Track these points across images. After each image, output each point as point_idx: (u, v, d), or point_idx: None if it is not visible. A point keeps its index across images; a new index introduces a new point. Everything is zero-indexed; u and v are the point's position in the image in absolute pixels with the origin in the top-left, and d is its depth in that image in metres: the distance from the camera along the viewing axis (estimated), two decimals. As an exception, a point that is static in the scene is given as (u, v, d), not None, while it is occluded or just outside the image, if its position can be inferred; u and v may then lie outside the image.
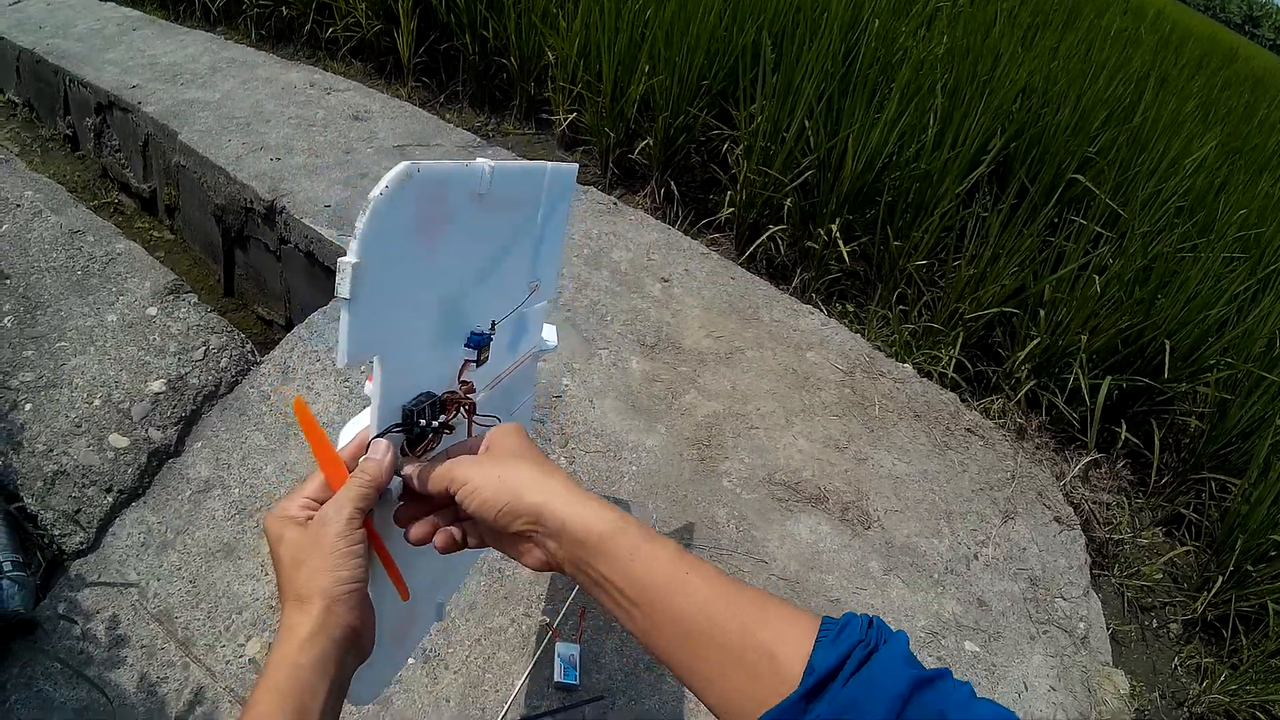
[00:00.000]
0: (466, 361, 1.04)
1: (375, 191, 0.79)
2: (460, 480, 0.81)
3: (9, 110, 4.74)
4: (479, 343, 1.05)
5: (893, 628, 0.67)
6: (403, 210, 0.83)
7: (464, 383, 1.03)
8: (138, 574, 1.89)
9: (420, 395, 0.94)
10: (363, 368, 0.85)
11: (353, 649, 0.77)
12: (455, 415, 0.99)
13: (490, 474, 0.81)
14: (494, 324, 1.10)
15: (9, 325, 2.47)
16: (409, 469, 0.87)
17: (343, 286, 0.78)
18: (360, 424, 0.93)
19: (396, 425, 0.90)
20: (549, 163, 1.20)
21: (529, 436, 0.88)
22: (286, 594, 0.76)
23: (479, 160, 0.96)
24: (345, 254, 0.78)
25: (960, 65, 3.74)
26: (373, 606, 0.81)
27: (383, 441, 0.85)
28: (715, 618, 0.69)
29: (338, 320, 0.80)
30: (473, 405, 1.03)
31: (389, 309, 0.86)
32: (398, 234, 0.84)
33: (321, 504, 0.81)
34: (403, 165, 0.81)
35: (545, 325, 1.48)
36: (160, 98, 3.81)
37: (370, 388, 0.88)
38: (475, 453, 0.88)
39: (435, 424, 0.93)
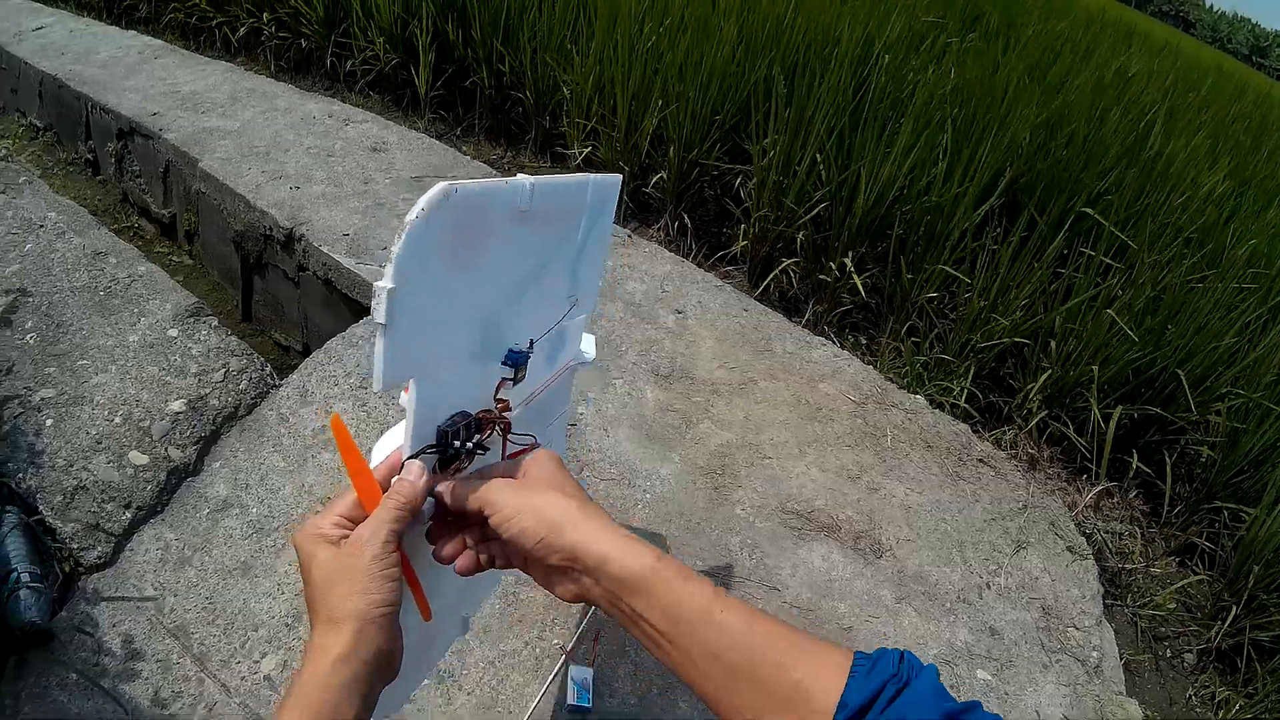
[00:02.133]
0: (503, 380, 1.03)
1: (411, 215, 0.78)
2: (496, 506, 0.81)
3: (31, 134, 4.80)
4: (517, 360, 1.04)
5: None
6: (440, 232, 0.82)
7: (499, 401, 1.02)
8: (155, 589, 1.90)
9: (455, 415, 0.93)
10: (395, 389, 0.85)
11: (382, 671, 0.77)
12: (490, 434, 0.98)
13: (527, 504, 0.80)
14: (532, 342, 1.09)
15: (32, 342, 2.50)
16: (442, 486, 0.87)
17: (378, 311, 0.77)
18: (394, 439, 0.92)
19: (431, 446, 0.89)
20: (592, 175, 1.17)
21: (564, 466, 0.88)
22: (318, 614, 0.76)
23: (520, 176, 0.95)
24: (380, 279, 0.78)
25: (970, 100, 3.78)
26: (402, 630, 0.81)
27: (416, 463, 0.85)
28: (749, 653, 0.70)
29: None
30: (508, 424, 1.02)
31: (425, 332, 0.85)
32: (434, 257, 0.83)
33: (353, 522, 0.81)
34: (440, 185, 0.80)
35: (585, 336, 1.45)
36: (181, 125, 3.87)
37: (405, 399, 0.87)
38: (510, 474, 0.88)
39: (469, 445, 0.92)
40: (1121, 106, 4.43)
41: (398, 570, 0.78)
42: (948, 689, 0.65)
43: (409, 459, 0.86)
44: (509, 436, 1.04)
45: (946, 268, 3.25)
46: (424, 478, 0.84)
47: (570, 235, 1.19)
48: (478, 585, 1.29)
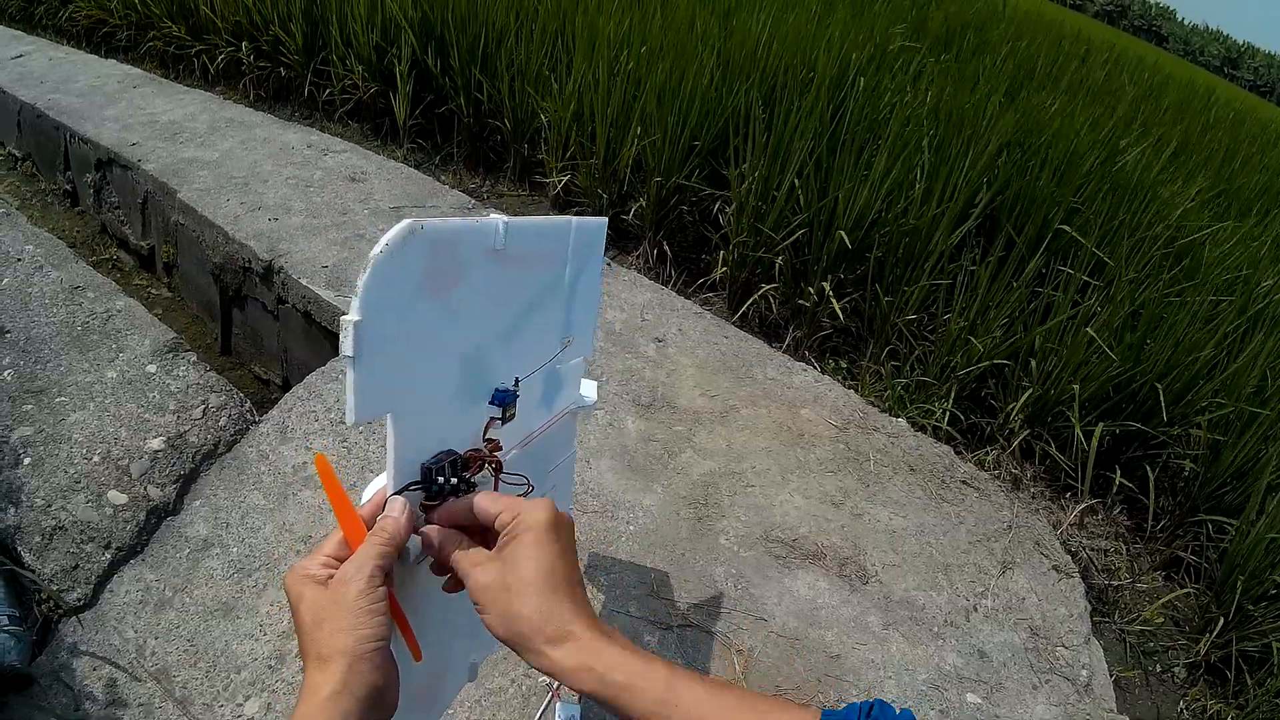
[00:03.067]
0: (491, 419, 1.03)
1: (376, 249, 0.79)
2: (472, 580, 0.82)
3: (9, 164, 4.78)
4: (503, 400, 1.04)
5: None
6: (407, 268, 0.83)
7: (489, 440, 1.02)
8: (135, 631, 1.88)
9: (441, 453, 0.93)
10: (376, 423, 0.85)
11: (375, 707, 0.75)
12: (478, 473, 0.98)
13: (515, 589, 0.80)
14: (518, 381, 1.08)
15: (9, 379, 2.48)
16: (427, 529, 0.87)
17: (346, 344, 0.78)
18: (384, 479, 0.91)
19: (415, 483, 0.89)
20: (575, 218, 1.18)
21: (563, 528, 0.85)
22: (308, 653, 0.75)
23: (492, 216, 0.96)
24: (347, 313, 0.78)
25: (946, 122, 3.81)
26: (396, 664, 0.80)
27: (399, 499, 0.85)
28: None
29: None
30: (498, 464, 1.02)
31: (398, 366, 0.85)
32: (403, 291, 0.84)
33: (340, 560, 0.81)
34: (405, 223, 0.81)
35: (585, 381, 1.47)
36: (159, 155, 3.86)
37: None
38: (487, 522, 0.87)
39: (453, 481, 0.92)
40: (1092, 122, 4.47)
41: (385, 605, 0.78)
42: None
43: (392, 495, 0.86)
44: (501, 477, 1.04)
45: (925, 287, 3.26)
46: (405, 513, 0.84)
47: (556, 277, 1.19)
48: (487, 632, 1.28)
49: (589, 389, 1.50)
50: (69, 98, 4.58)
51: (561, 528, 0.84)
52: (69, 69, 5.13)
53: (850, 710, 0.68)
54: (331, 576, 0.79)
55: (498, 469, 1.03)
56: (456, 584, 0.87)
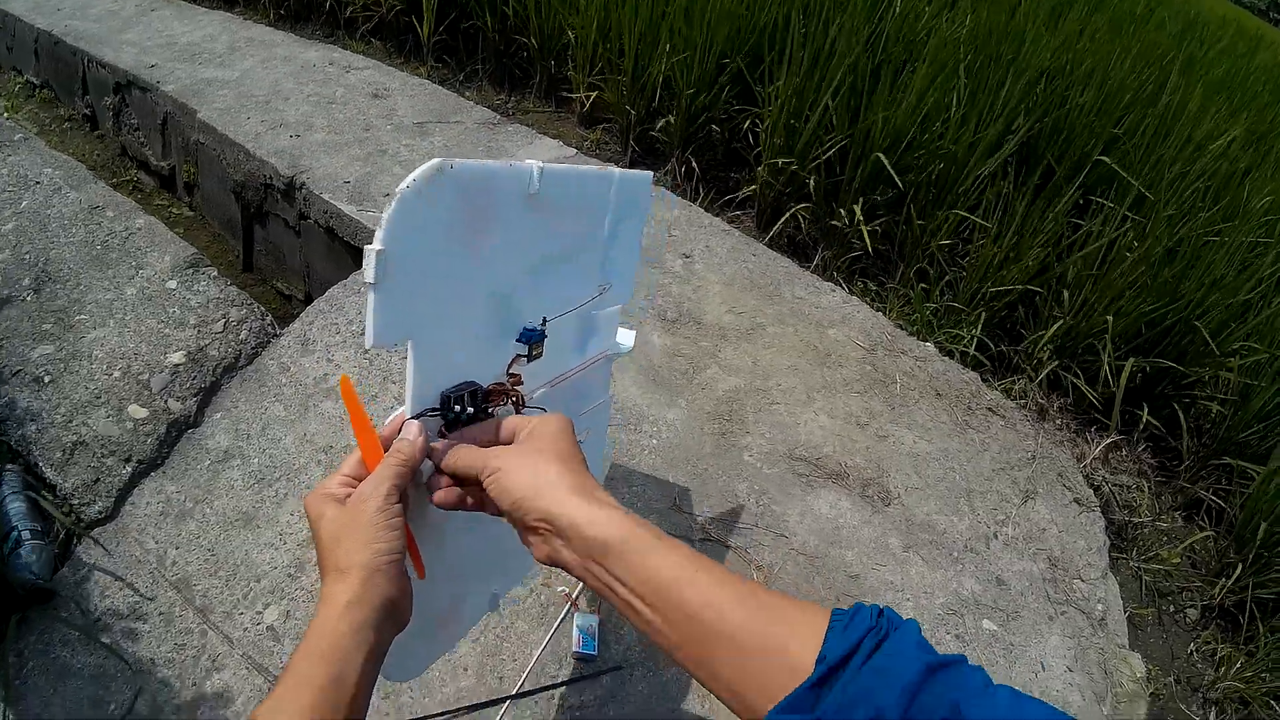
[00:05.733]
0: (517, 356, 1.06)
1: (403, 184, 0.81)
2: (492, 468, 0.83)
3: (28, 91, 4.75)
4: (529, 338, 1.07)
5: (912, 605, 0.68)
6: (434, 204, 0.85)
7: (512, 375, 1.05)
8: (156, 542, 1.88)
9: (463, 383, 0.96)
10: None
11: (390, 618, 0.79)
12: (501, 406, 1.01)
13: (512, 463, 0.83)
14: (545, 320, 1.10)
15: (29, 299, 2.47)
16: (436, 444, 0.89)
17: (368, 271, 0.81)
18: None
19: (433, 409, 0.92)
20: (617, 170, 1.20)
21: (571, 433, 0.88)
22: (326, 567, 0.79)
23: (528, 161, 0.98)
24: (371, 229, 0.79)
25: (984, 46, 3.70)
26: (409, 579, 0.83)
27: (415, 423, 0.88)
28: (725, 612, 0.70)
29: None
30: (520, 398, 1.05)
31: (420, 296, 0.87)
32: (428, 226, 0.86)
33: (358, 480, 0.84)
34: (435, 161, 0.83)
35: (621, 329, 1.48)
36: (179, 77, 3.81)
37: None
38: (507, 439, 0.90)
39: (469, 411, 0.94)
40: (1135, 55, 4.33)
41: (400, 521, 0.81)
42: (950, 638, 0.64)
43: (410, 419, 0.89)
44: (524, 411, 1.07)
45: (961, 212, 3.19)
46: (422, 437, 0.87)
47: (595, 227, 1.21)
48: (511, 564, 1.28)
49: (626, 337, 1.53)
50: (85, 23, 4.52)
51: (573, 432, 0.88)
52: (84, -7, 5.08)
53: (859, 607, 0.68)
54: (350, 495, 0.83)
55: (519, 403, 1.05)
56: (444, 501, 0.89)
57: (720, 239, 3.19)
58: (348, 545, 0.78)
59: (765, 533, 2.11)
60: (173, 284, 2.58)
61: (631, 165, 3.77)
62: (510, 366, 1.05)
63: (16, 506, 1.87)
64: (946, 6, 4.21)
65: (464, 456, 0.86)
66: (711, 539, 2.05)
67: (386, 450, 0.86)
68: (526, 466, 0.82)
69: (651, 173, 1.31)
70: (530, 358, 1.07)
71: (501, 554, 1.15)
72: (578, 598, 1.87)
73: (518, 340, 1.06)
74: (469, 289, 0.96)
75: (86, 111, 4.42)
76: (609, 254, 1.26)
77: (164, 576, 1.82)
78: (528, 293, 1.07)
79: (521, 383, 1.06)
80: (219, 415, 2.21)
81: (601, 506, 0.78)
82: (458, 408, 0.93)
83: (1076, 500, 2.52)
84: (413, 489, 0.89)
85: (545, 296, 1.12)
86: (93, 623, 1.73)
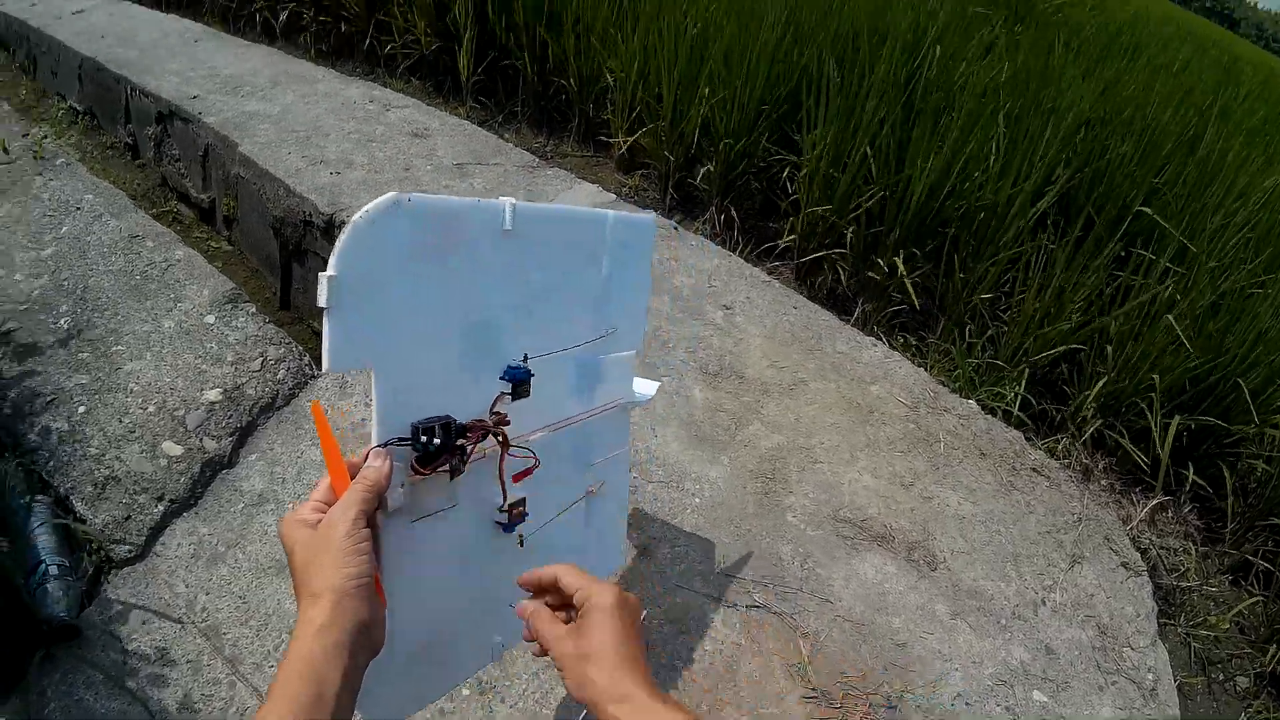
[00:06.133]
0: (501, 394, 1.08)
1: (358, 214, 0.88)
2: (554, 650, 0.92)
3: (70, 117, 4.77)
4: (513, 376, 1.09)
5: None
6: (388, 235, 0.91)
7: (495, 414, 1.07)
8: (186, 586, 1.85)
9: (436, 416, 0.99)
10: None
11: (362, 639, 0.82)
12: (479, 442, 1.04)
13: (577, 662, 0.89)
14: (526, 357, 1.13)
15: (66, 326, 2.45)
16: (522, 604, 0.98)
17: (320, 296, 0.86)
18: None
19: (403, 439, 0.96)
20: (612, 212, 1.22)
21: (620, 609, 0.92)
22: (301, 591, 0.83)
23: (501, 198, 1.03)
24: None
25: (1022, 93, 3.68)
26: (381, 603, 0.88)
27: (381, 451, 0.94)
28: None
29: None
30: (504, 437, 1.08)
31: (379, 323, 0.92)
32: (384, 256, 0.91)
33: (329, 505, 0.89)
34: (390, 195, 0.91)
35: (641, 380, 1.47)
36: (221, 109, 3.83)
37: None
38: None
39: (437, 443, 0.97)
40: (1174, 105, 4.30)
41: (368, 546, 0.86)
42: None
43: (375, 446, 0.94)
44: (508, 452, 1.10)
45: (1001, 265, 3.15)
46: (387, 464, 0.93)
47: (588, 267, 1.24)
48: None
49: (646, 387, 1.52)
50: (130, 51, 4.56)
51: (626, 607, 0.93)
52: (129, 23, 5.13)
53: None
54: (320, 521, 0.87)
55: (504, 443, 1.08)
56: (544, 649, 0.96)
57: (761, 290, 3.16)
58: (319, 569, 0.82)
59: (810, 598, 2.05)
60: (211, 319, 2.56)
61: (669, 213, 3.76)
62: (494, 405, 1.07)
63: (45, 540, 1.84)
64: (982, 53, 4.19)
65: (541, 630, 0.94)
66: (757, 604, 1.99)
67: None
68: (599, 665, 0.87)
69: (653, 214, 1.34)
70: (515, 396, 1.09)
71: (497, 603, 1.15)
72: None
73: (501, 378, 1.09)
74: (439, 320, 1.00)
75: (128, 140, 4.44)
76: (609, 297, 1.27)
77: (193, 622, 1.78)
78: (515, 331, 1.10)
79: (507, 422, 1.08)
80: (254, 456, 2.17)
81: (669, 710, 0.84)
82: (423, 439, 0.96)
83: (1124, 564, 2.45)
84: (381, 515, 0.95)
85: (536, 336, 1.14)
86: (118, 666, 1.68)
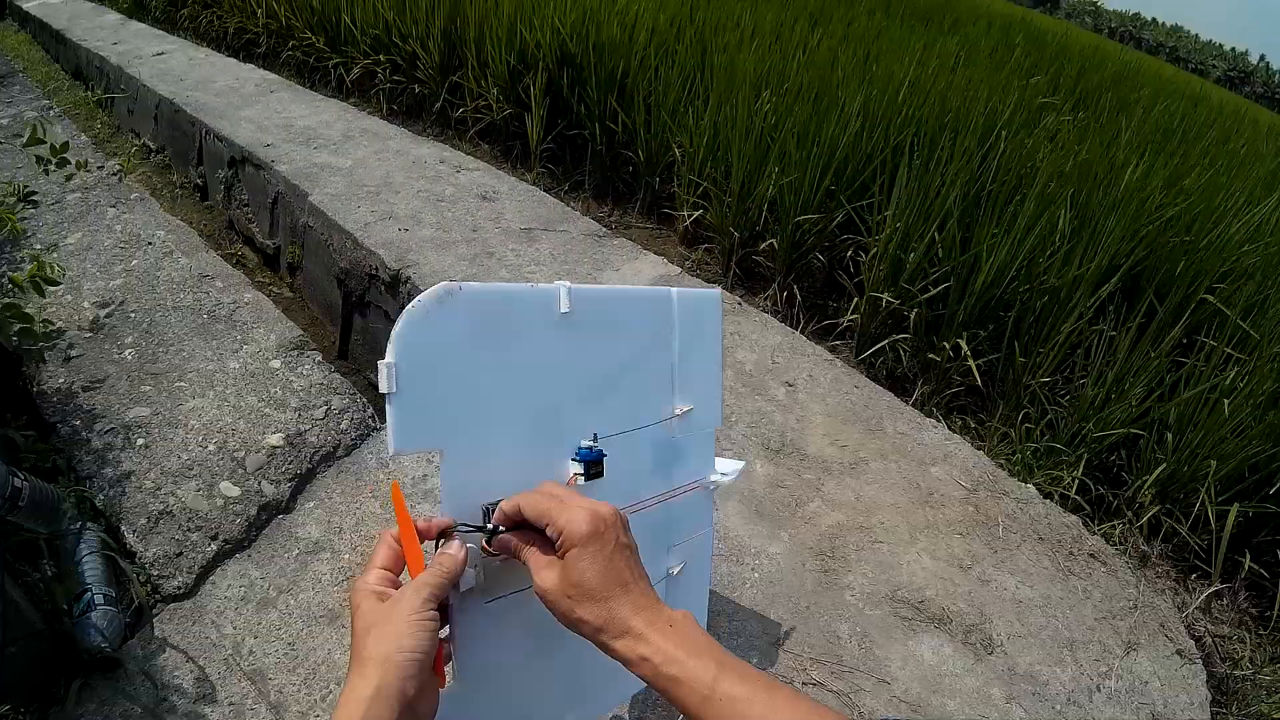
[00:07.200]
0: (574, 475, 1.07)
1: (411, 304, 0.90)
2: (537, 584, 0.91)
3: (143, 154, 4.91)
4: (585, 457, 1.08)
5: None
6: (442, 323, 0.93)
7: None
8: (234, 628, 1.83)
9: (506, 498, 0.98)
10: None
11: (407, 714, 0.81)
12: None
13: (561, 599, 0.89)
14: (595, 436, 1.11)
15: (130, 358, 2.48)
16: (504, 536, 0.95)
17: (382, 383, 0.88)
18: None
19: (475, 525, 0.96)
20: (675, 289, 1.22)
21: (596, 537, 0.90)
22: (354, 657, 0.83)
23: (557, 283, 1.04)
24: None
25: (1088, 180, 3.67)
26: (436, 682, 0.86)
27: (456, 542, 0.94)
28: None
29: None
30: None
31: (443, 407, 0.94)
32: (440, 344, 0.93)
33: (391, 571, 0.91)
34: (442, 285, 0.93)
35: (725, 459, 1.44)
36: (293, 158, 3.91)
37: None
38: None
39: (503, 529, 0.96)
40: (1239, 193, 4.26)
41: (433, 626, 0.86)
42: None
43: (451, 538, 0.94)
44: None
45: (1063, 349, 3.12)
46: (463, 552, 0.94)
47: (658, 348, 1.23)
48: (589, 693, 1.21)
49: (728, 467, 1.48)
50: (206, 96, 4.69)
51: (605, 532, 0.90)
52: (208, 70, 5.29)
53: None
54: (386, 591, 0.88)
55: None
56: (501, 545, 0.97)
57: (823, 369, 3.14)
58: (375, 636, 0.82)
59: (867, 677, 2.00)
60: (276, 363, 2.57)
61: (731, 288, 3.75)
62: (568, 486, 1.05)
63: (93, 568, 1.83)
64: (1047, 139, 4.20)
65: (526, 559, 0.93)
66: (814, 682, 1.95)
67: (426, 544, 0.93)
68: (585, 601, 0.88)
69: (718, 289, 1.32)
70: (589, 476, 1.08)
71: (578, 683, 1.15)
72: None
73: (573, 459, 1.08)
74: (504, 403, 1.00)
75: (199, 181, 4.54)
76: (681, 375, 1.25)
77: (239, 665, 1.76)
78: (585, 412, 1.10)
79: None
80: (312, 504, 2.17)
81: (672, 641, 0.86)
82: (489, 525, 0.96)
83: (1179, 652, 2.38)
84: (453, 597, 0.95)
85: (608, 415, 1.13)
86: (158, 702, 1.67)
